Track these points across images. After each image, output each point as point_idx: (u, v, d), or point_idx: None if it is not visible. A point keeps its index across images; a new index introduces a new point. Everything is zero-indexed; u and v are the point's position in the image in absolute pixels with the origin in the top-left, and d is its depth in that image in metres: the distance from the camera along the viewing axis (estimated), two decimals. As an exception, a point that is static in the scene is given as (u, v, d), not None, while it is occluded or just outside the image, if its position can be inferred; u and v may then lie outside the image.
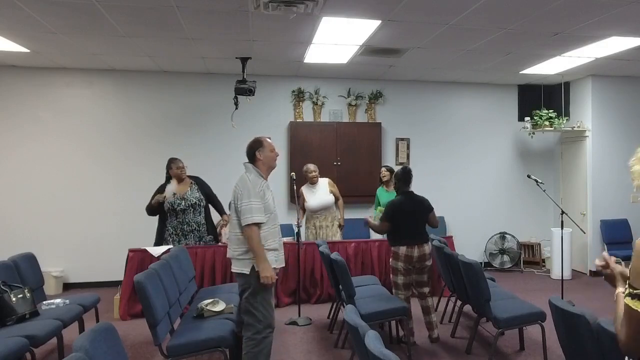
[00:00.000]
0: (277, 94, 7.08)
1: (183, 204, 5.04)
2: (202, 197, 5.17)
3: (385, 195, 5.77)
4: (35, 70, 6.43)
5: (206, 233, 5.25)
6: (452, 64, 6.31)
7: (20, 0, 3.98)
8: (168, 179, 5.21)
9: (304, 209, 5.77)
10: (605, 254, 1.63)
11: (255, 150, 3.33)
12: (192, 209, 5.09)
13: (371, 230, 7.04)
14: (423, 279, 4.34)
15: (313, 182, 5.73)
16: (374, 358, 1.81)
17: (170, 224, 5.12)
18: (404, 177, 4.36)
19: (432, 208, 4.37)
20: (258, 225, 3.18)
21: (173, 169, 5.15)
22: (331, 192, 5.76)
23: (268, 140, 3.43)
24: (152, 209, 5.13)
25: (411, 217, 4.26)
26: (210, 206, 5.36)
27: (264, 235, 3.24)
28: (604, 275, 1.61)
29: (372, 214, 6.04)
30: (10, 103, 6.40)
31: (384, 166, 6.20)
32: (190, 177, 5.27)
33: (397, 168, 6.09)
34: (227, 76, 6.55)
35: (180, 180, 5.16)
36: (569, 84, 7.47)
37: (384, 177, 5.90)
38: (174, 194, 5.08)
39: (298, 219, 5.11)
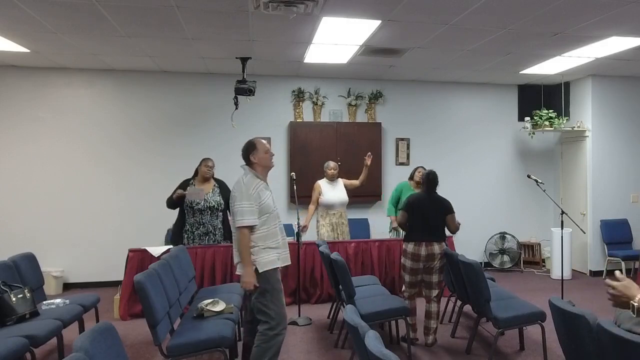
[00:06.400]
0: (277, 94, 7.08)
1: (202, 204, 5.06)
2: (221, 201, 5.15)
3: (411, 192, 5.70)
4: (35, 70, 6.43)
5: (223, 237, 5.24)
6: (452, 64, 6.31)
7: (20, 0, 3.98)
8: (195, 175, 5.25)
9: (315, 205, 5.71)
10: (608, 280, 1.75)
11: (249, 154, 3.37)
12: (210, 211, 5.10)
13: (371, 231, 7.11)
14: (431, 280, 4.27)
15: (331, 179, 5.74)
16: (374, 358, 1.81)
17: (188, 221, 5.15)
18: (427, 182, 4.34)
19: (453, 211, 4.27)
20: (250, 227, 3.20)
21: (201, 166, 5.20)
22: (346, 187, 5.80)
23: (262, 141, 3.44)
24: (172, 203, 5.14)
25: (424, 215, 4.24)
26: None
27: (263, 235, 3.26)
28: (614, 300, 1.72)
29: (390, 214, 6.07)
30: (10, 103, 6.40)
31: (421, 167, 6.04)
32: (215, 179, 5.29)
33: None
34: (227, 76, 6.55)
35: (204, 179, 5.19)
36: (569, 84, 7.47)
37: (417, 177, 5.83)
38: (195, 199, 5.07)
39: (298, 218, 5.09)
